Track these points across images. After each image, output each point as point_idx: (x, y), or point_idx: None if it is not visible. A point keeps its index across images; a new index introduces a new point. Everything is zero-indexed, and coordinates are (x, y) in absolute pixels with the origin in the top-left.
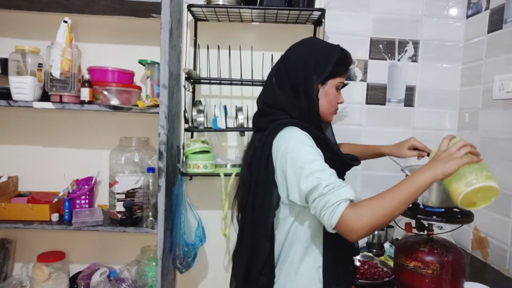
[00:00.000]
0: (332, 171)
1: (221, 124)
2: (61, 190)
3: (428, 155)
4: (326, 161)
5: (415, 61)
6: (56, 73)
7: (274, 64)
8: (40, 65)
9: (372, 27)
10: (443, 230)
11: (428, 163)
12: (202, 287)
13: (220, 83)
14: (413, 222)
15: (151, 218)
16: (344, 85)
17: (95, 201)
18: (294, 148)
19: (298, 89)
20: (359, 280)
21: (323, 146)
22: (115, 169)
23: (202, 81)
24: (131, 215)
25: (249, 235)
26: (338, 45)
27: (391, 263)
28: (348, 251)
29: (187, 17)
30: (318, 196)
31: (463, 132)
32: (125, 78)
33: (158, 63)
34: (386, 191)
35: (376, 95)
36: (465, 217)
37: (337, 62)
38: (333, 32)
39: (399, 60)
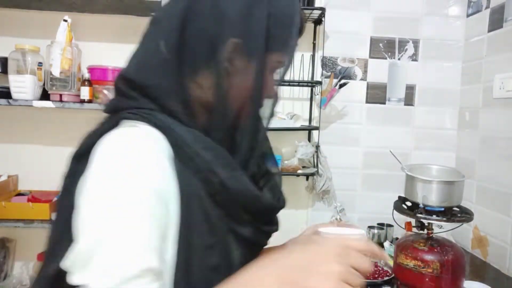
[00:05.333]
0: (148, 265)
1: None
2: None
3: None
4: (207, 200)
5: (415, 60)
6: (56, 72)
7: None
8: (40, 64)
9: (372, 26)
10: (443, 229)
11: (282, 255)
12: None
13: None
14: (413, 221)
15: None
16: (344, 84)
17: None
18: (107, 189)
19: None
20: None
21: (201, 169)
22: None
23: None
24: None
25: None
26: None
27: (391, 262)
28: None
29: None
30: None
31: (463, 131)
32: None
33: None
34: None
35: (376, 94)
36: (465, 216)
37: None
38: (333, 31)
39: (399, 59)
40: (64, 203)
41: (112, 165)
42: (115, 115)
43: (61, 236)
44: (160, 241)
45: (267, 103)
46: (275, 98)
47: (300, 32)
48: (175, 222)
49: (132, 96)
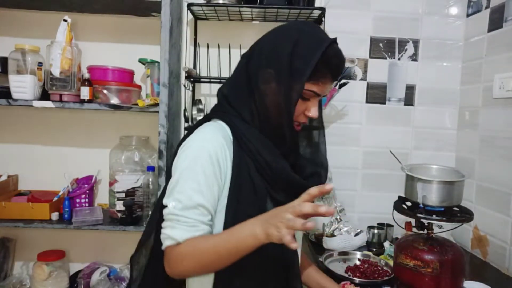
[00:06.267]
0: (200, 202)
1: None
2: (61, 189)
3: None
4: (255, 172)
5: (415, 60)
6: (56, 72)
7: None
8: (40, 64)
9: (372, 26)
10: (443, 229)
11: (263, 216)
12: None
13: (220, 82)
14: (413, 221)
15: None
16: (344, 84)
17: (95, 200)
18: (186, 155)
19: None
20: (359, 279)
21: (252, 152)
22: (115, 168)
23: (202, 80)
24: (131, 214)
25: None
26: (333, 39)
27: (391, 262)
28: None
29: (187, 16)
30: (165, 215)
31: (463, 131)
32: (125, 77)
33: (158, 62)
34: (213, 240)
35: (376, 94)
36: (465, 216)
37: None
38: (333, 31)
39: (399, 59)
40: (168, 178)
41: (190, 143)
42: (211, 115)
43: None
44: (208, 189)
45: (302, 119)
46: (307, 119)
47: (334, 70)
48: (229, 181)
49: (223, 104)
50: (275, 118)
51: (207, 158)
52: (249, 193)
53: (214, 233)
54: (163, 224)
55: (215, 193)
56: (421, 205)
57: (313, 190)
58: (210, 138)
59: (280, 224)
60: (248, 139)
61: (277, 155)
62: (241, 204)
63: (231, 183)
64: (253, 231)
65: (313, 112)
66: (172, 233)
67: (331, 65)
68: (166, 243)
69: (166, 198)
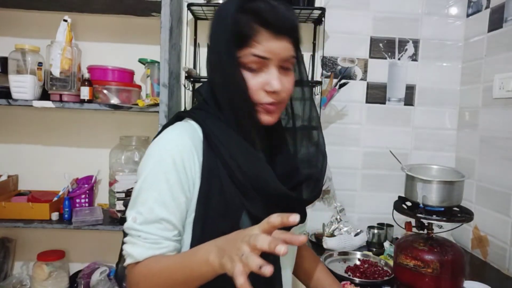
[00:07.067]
0: (163, 216)
1: None
2: (61, 189)
3: None
4: (227, 180)
5: (415, 60)
6: (56, 72)
7: None
8: (40, 64)
9: (372, 26)
10: (443, 229)
11: (220, 240)
12: None
13: None
14: (413, 221)
15: None
16: (344, 84)
17: (95, 200)
18: (148, 159)
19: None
20: (359, 279)
21: (223, 155)
22: (115, 168)
23: (202, 80)
24: None
25: None
26: None
27: (391, 262)
28: None
29: (187, 16)
30: (126, 229)
31: (463, 131)
32: (125, 77)
33: (158, 62)
34: (170, 262)
35: (376, 94)
36: (465, 216)
37: (235, 22)
38: (333, 31)
39: (399, 59)
40: None
41: (154, 146)
42: (183, 113)
43: None
44: (172, 200)
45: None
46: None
47: (262, 17)
48: (197, 189)
49: (200, 102)
50: (235, 106)
51: (171, 164)
52: (220, 205)
53: (183, 251)
54: (124, 239)
55: (182, 204)
56: (421, 205)
57: (274, 219)
58: (175, 140)
59: (235, 257)
60: (219, 139)
61: (255, 158)
62: (210, 218)
63: (199, 193)
64: (207, 257)
65: (273, 84)
66: (132, 250)
67: (256, 15)
68: (127, 261)
69: (128, 209)
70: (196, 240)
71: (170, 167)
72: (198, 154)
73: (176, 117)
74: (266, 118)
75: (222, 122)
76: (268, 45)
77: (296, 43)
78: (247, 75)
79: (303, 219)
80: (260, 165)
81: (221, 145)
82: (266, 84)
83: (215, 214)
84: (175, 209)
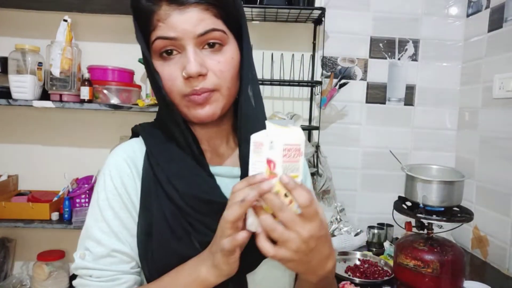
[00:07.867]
0: (114, 247)
1: None
2: (61, 189)
3: None
4: (167, 204)
5: (415, 60)
6: (56, 72)
7: None
8: (40, 64)
9: (372, 26)
10: (443, 229)
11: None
12: None
13: None
14: (413, 221)
15: None
16: (344, 84)
17: None
18: (96, 184)
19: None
20: (359, 279)
21: (159, 179)
22: None
23: None
24: None
25: None
26: None
27: (391, 262)
28: None
29: None
30: (74, 270)
31: (462, 131)
32: (125, 77)
33: None
34: None
35: (376, 94)
36: (465, 216)
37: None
38: (333, 31)
39: (399, 59)
40: None
41: (100, 172)
42: (136, 128)
43: None
44: (122, 228)
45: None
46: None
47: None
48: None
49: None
50: (161, 107)
51: (112, 189)
52: (161, 228)
53: (146, 281)
54: (73, 283)
55: (134, 230)
56: (421, 205)
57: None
58: (114, 163)
59: (222, 254)
60: (156, 159)
61: (192, 176)
62: (155, 241)
63: (139, 217)
64: (197, 274)
65: (187, 68)
66: None
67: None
68: None
69: (78, 248)
70: (153, 274)
71: (113, 192)
72: (138, 176)
73: (132, 132)
74: (198, 113)
75: (165, 134)
76: (172, 22)
77: (220, 10)
78: (159, 64)
79: None
80: (195, 182)
81: (157, 166)
82: (183, 70)
83: (160, 237)
84: (128, 237)
